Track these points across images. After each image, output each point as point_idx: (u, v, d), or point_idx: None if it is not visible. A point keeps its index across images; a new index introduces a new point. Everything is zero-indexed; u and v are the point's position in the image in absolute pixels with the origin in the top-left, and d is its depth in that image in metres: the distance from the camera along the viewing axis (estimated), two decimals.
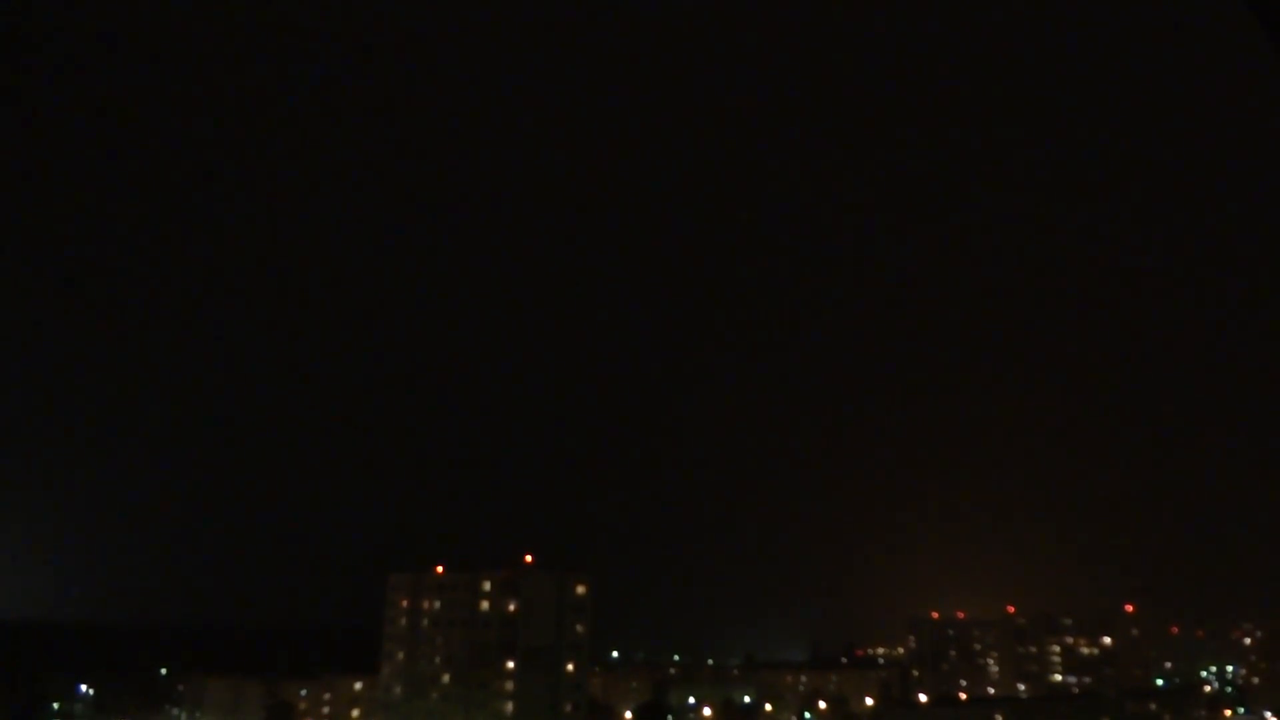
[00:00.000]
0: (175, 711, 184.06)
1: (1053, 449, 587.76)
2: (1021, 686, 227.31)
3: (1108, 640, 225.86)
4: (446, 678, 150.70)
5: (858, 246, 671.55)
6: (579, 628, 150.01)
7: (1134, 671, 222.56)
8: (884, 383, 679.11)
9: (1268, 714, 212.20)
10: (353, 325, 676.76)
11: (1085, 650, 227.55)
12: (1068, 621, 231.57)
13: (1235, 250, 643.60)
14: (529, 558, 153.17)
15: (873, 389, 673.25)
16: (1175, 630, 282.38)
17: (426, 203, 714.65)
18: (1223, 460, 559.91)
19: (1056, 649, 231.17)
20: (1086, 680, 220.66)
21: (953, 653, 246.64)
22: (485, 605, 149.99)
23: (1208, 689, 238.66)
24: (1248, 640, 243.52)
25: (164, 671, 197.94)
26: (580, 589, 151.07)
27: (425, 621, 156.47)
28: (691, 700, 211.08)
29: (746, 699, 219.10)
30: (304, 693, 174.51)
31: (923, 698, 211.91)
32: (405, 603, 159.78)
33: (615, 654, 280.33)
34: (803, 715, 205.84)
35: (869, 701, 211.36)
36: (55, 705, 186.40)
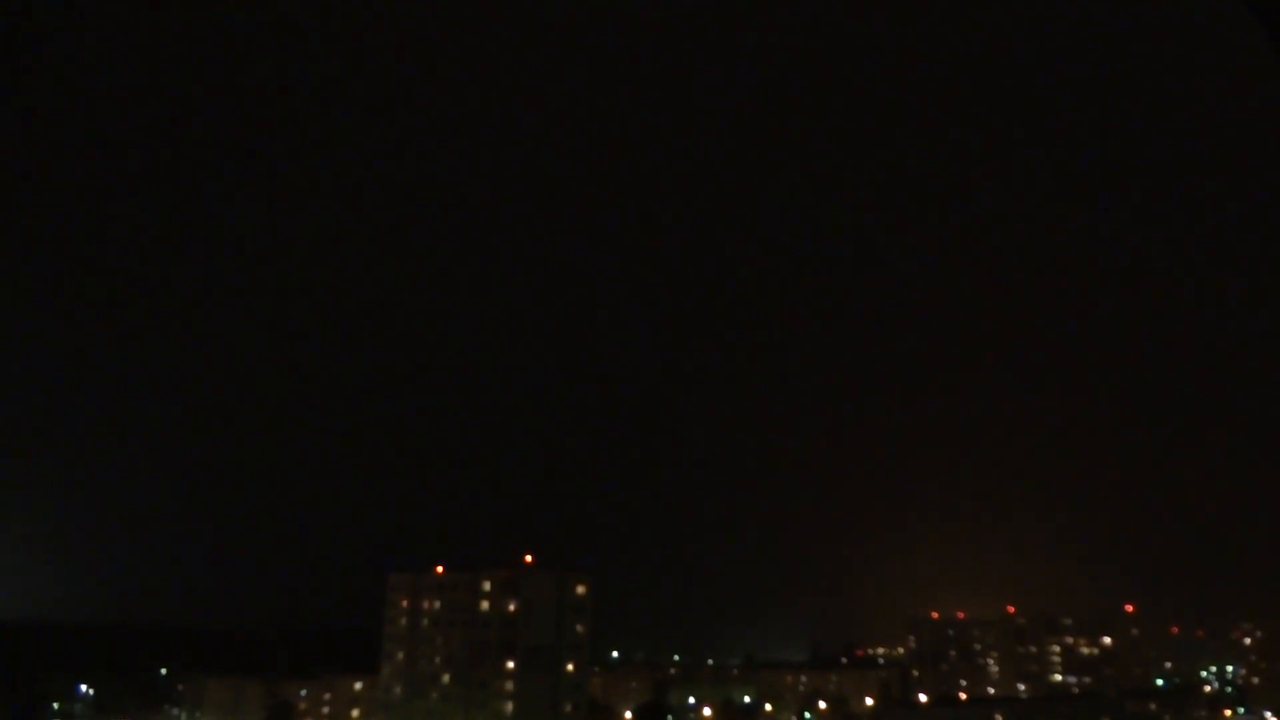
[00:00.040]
0: (175, 711, 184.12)
1: (1053, 449, 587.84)
2: (1021, 686, 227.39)
3: (1108, 640, 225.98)
4: (446, 678, 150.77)
5: (858, 246, 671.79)
6: (579, 628, 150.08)
7: (1134, 671, 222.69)
8: (884, 383, 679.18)
9: (1268, 714, 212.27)
10: (353, 325, 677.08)
11: (1085, 650, 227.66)
12: (1068, 621, 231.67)
13: (1235, 250, 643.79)
14: (529, 558, 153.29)
15: (873, 389, 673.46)
16: (1175, 630, 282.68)
17: (426, 203, 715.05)
18: (1223, 460, 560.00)
19: (1056, 649, 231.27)
20: (1086, 680, 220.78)
21: (953, 653, 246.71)
22: (485, 605, 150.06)
23: (1208, 689, 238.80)
24: (1248, 640, 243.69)
25: (164, 671, 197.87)
26: (580, 589, 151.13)
27: (425, 621, 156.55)
28: (691, 700, 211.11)
29: (746, 699, 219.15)
30: (304, 693, 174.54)
31: (923, 698, 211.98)
32: (405, 603, 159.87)
33: (615, 654, 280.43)
34: (803, 715, 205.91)
35: (869, 701, 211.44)
36: (55, 705, 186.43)
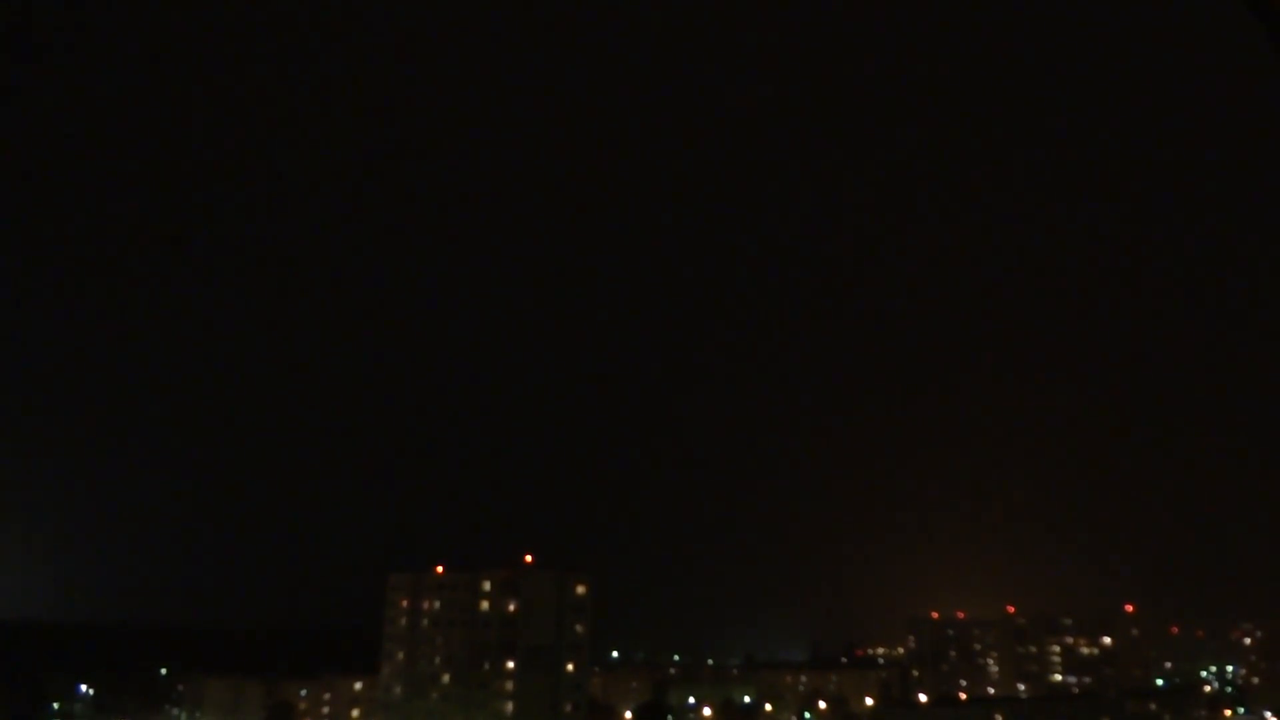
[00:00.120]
0: (175, 711, 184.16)
1: (1053, 449, 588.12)
2: (1021, 686, 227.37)
3: (1108, 640, 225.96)
4: (446, 678, 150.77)
5: (858, 246, 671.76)
6: (579, 628, 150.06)
7: (1134, 671, 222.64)
8: (884, 383, 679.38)
9: (1268, 714, 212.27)
10: (353, 325, 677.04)
11: (1085, 650, 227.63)
12: (1068, 621, 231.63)
13: (1235, 250, 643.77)
14: (529, 558, 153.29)
15: (872, 389, 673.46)
16: (1175, 630, 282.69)
17: (426, 203, 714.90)
18: (1223, 460, 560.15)
19: (1056, 649, 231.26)
20: (1086, 680, 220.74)
21: (953, 653, 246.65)
22: (485, 605, 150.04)
23: (1208, 689, 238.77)
24: (1248, 640, 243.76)
25: (164, 671, 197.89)
26: (580, 589, 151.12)
27: (425, 621, 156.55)
28: (691, 700, 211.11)
29: (746, 699, 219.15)
30: (304, 693, 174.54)
31: (923, 698, 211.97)
32: (405, 603, 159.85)
33: (615, 654, 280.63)
34: (803, 715, 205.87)
35: (869, 701, 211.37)
36: (55, 705, 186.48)
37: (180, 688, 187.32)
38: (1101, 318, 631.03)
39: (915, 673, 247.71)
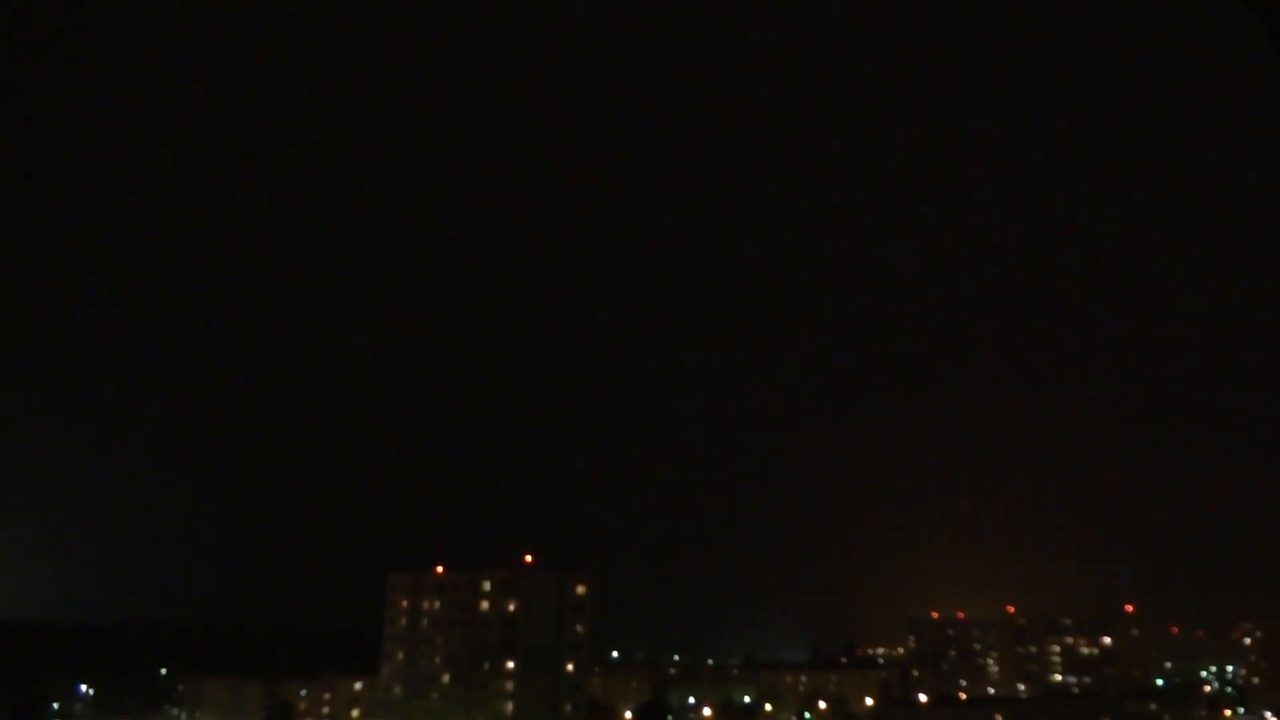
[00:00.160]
0: (175, 711, 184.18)
1: (1053, 449, 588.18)
2: (1021, 686, 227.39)
3: (1108, 640, 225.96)
4: (446, 678, 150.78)
5: (857, 246, 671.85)
6: (579, 628, 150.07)
7: (1134, 671, 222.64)
8: (883, 383, 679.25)
9: (1268, 714, 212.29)
10: (353, 325, 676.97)
11: (1085, 650, 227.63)
12: (1068, 621, 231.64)
13: (1235, 250, 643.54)
14: (529, 558, 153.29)
15: (872, 389, 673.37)
16: (1175, 630, 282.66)
17: (426, 203, 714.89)
18: (1223, 460, 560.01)
19: (1056, 649, 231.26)
20: (1086, 680, 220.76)
21: (953, 653, 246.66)
22: (485, 605, 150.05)
23: (1208, 689, 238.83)
24: (1248, 640, 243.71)
25: (164, 671, 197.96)
26: (580, 589, 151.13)
27: (425, 621, 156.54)
28: (691, 700, 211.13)
29: (746, 699, 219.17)
30: (304, 693, 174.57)
31: (923, 698, 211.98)
32: (405, 603, 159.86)
33: (615, 654, 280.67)
34: (803, 715, 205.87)
35: (869, 701, 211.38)
36: (55, 705, 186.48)
37: (180, 688, 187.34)
38: (1101, 318, 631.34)
39: (915, 673, 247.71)
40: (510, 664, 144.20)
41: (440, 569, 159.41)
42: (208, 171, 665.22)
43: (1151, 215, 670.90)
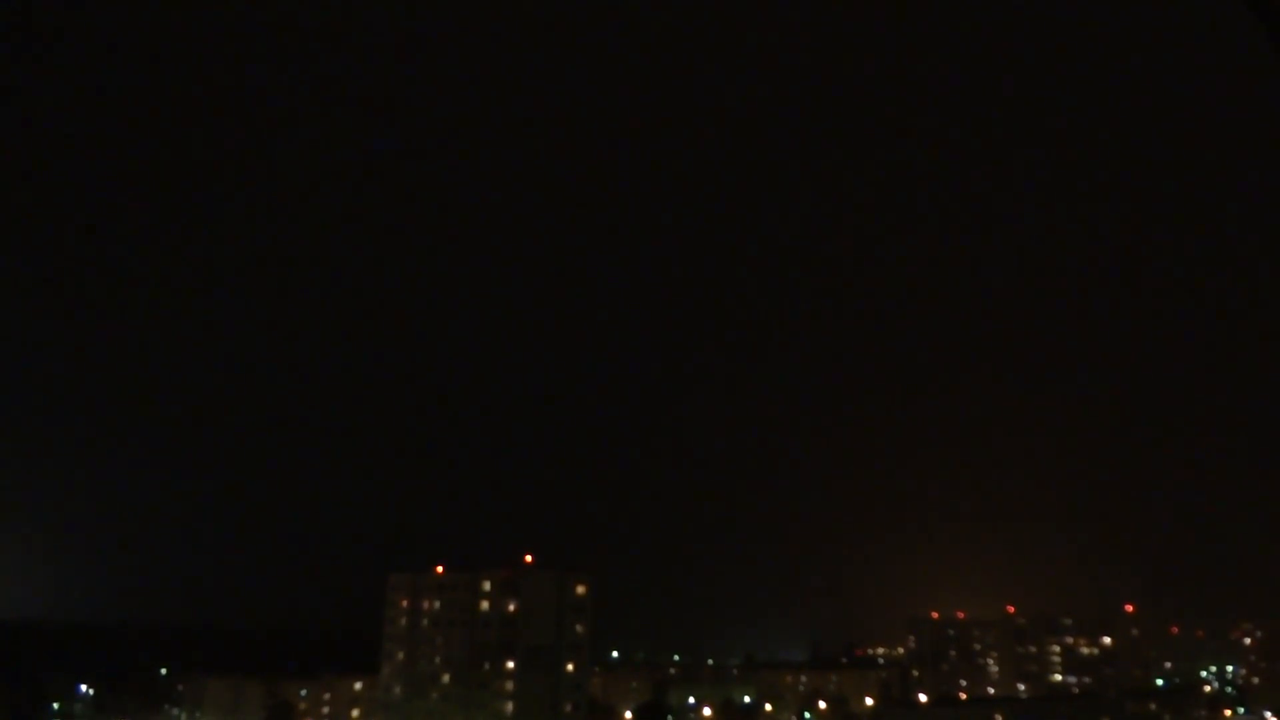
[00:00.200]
0: (175, 711, 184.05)
1: (1053, 449, 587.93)
2: (1021, 686, 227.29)
3: (1108, 640, 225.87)
4: (446, 678, 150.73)
5: (858, 246, 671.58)
6: (579, 628, 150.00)
7: (1134, 671, 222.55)
8: (884, 383, 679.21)
9: (1268, 714, 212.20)
10: (353, 325, 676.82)
11: (1085, 650, 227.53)
12: (1068, 621, 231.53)
13: (1235, 250, 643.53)
14: (529, 558, 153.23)
15: (872, 389, 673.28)
16: (1175, 630, 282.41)
17: (427, 203, 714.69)
18: (1223, 460, 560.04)
19: (1056, 649, 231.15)
20: (1086, 680, 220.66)
21: (953, 653, 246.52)
22: (485, 605, 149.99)
23: (1208, 689, 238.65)
24: (1248, 640, 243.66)
25: (164, 671, 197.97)
26: (580, 589, 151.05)
27: (425, 621, 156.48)
28: (691, 700, 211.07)
29: (746, 699, 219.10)
30: (304, 693, 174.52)
31: (923, 698, 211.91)
32: (405, 603, 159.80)
33: (615, 654, 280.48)
34: (803, 715, 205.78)
35: (869, 701, 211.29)
36: (55, 705, 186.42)
37: (180, 688, 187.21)
38: (1101, 318, 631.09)
39: (915, 673, 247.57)
40: (510, 664, 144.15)
41: (440, 569, 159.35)
42: (208, 171, 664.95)
43: (1151, 215, 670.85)
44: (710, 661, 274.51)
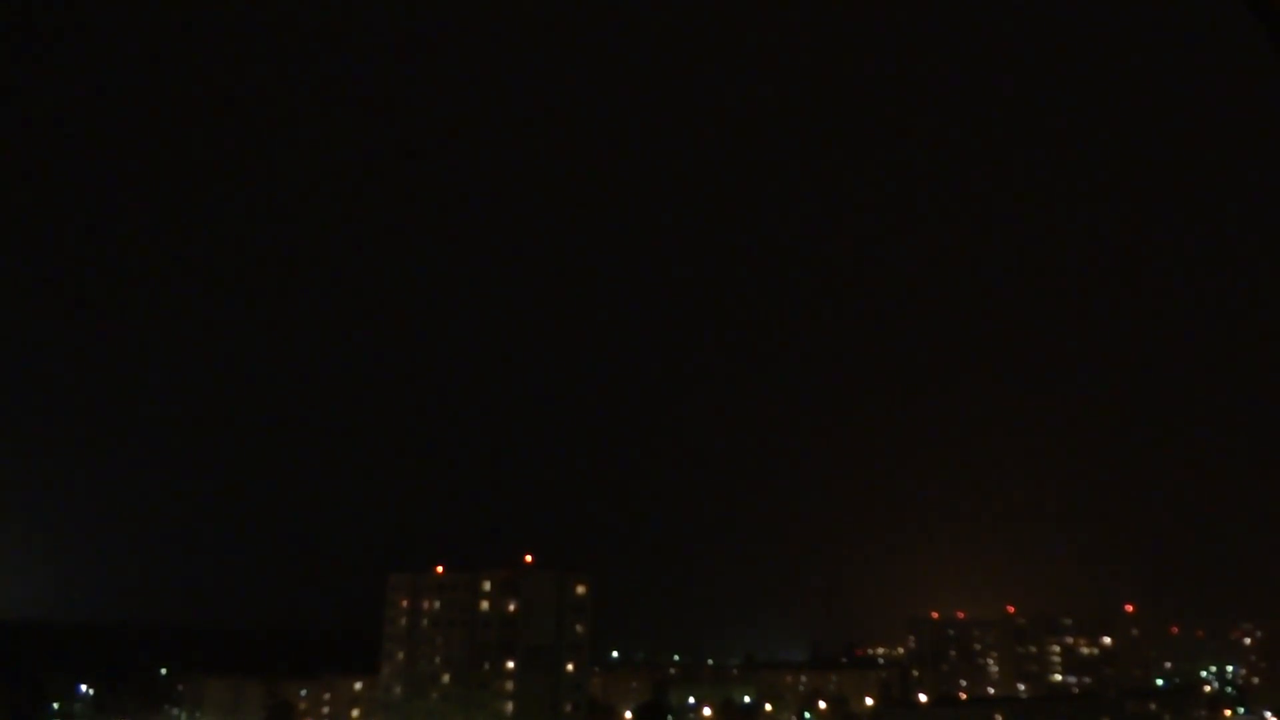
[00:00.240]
0: (175, 711, 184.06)
1: (1052, 449, 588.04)
2: (1021, 686, 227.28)
3: (1108, 640, 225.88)
4: (446, 678, 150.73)
5: (857, 247, 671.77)
6: (579, 628, 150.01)
7: (1134, 671, 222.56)
8: (883, 383, 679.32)
9: (1268, 714, 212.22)
10: (353, 325, 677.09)
11: (1085, 650, 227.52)
12: (1068, 621, 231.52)
13: (1235, 250, 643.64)
14: (529, 558, 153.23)
15: (872, 389, 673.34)
16: (1175, 630, 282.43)
17: (427, 203, 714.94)
18: (1223, 460, 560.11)
19: (1056, 649, 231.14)
20: (1086, 680, 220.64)
21: (953, 653, 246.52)
22: (485, 605, 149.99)
23: (1208, 689, 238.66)
24: (1248, 640, 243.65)
25: (164, 671, 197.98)
26: (580, 589, 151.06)
27: (425, 621, 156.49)
28: (691, 700, 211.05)
29: (746, 699, 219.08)
30: (304, 693, 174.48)
31: (923, 698, 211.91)
32: (405, 603, 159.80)
33: (615, 654, 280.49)
34: (803, 715, 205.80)
35: (869, 701, 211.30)
36: (55, 705, 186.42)
37: (180, 688, 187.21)
38: (1101, 318, 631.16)
39: (915, 673, 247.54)
40: (510, 664, 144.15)
41: (440, 569, 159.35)
42: (208, 171, 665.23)
43: (1151, 215, 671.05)
44: (710, 661, 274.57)
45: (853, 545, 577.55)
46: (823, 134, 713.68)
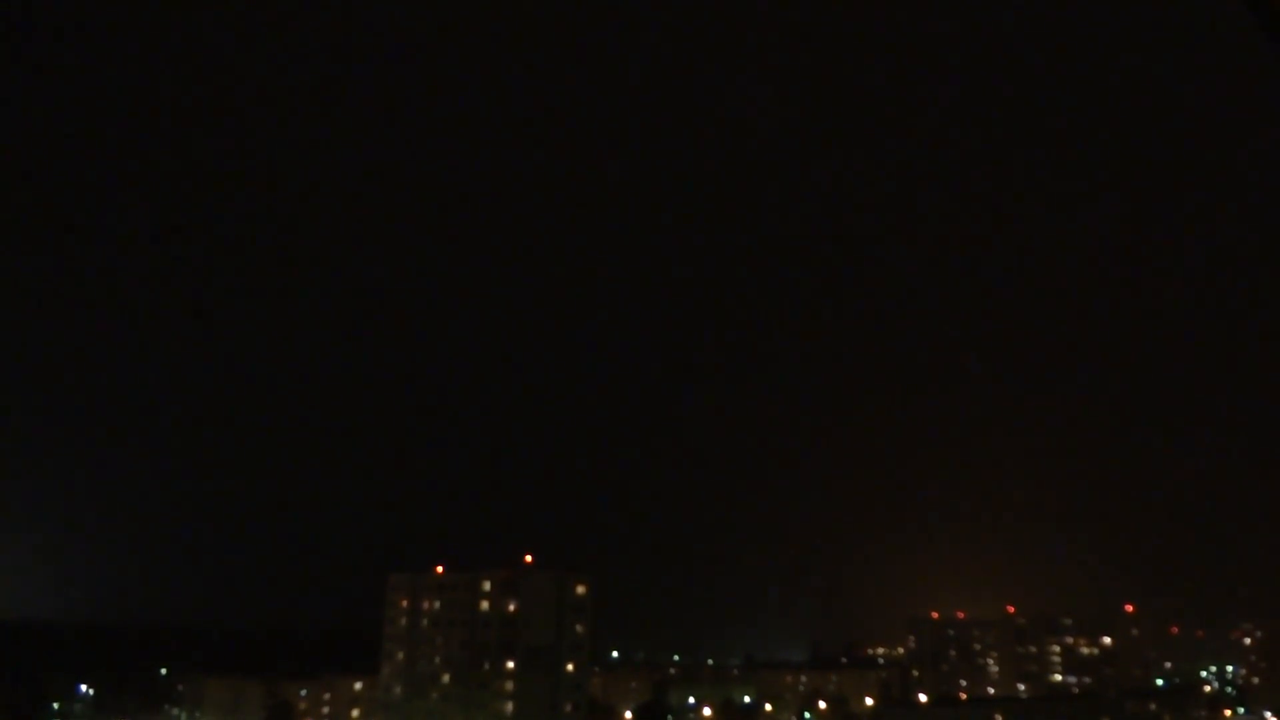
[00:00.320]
0: (175, 711, 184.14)
1: (1052, 449, 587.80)
2: (1021, 686, 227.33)
3: (1108, 640, 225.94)
4: (446, 678, 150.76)
5: (857, 247, 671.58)
6: (579, 628, 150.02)
7: (1134, 671, 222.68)
8: (883, 383, 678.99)
9: (1268, 714, 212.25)
10: (353, 325, 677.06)
11: (1085, 650, 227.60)
12: (1068, 621, 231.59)
13: (1235, 250, 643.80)
14: (529, 558, 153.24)
15: (872, 389, 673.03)
16: (1175, 630, 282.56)
17: (426, 203, 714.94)
18: (1223, 460, 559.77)
19: (1056, 649, 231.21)
20: (1086, 680, 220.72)
21: (953, 653, 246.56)
22: (485, 605, 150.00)
23: (1208, 689, 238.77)
24: (1248, 640, 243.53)
25: (164, 671, 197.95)
26: (580, 589, 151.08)
27: (425, 621, 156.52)
28: (691, 700, 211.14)
29: (746, 699, 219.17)
30: (304, 693, 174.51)
31: (923, 698, 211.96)
32: (405, 603, 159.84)
33: (615, 654, 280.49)
34: (803, 715, 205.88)
35: (869, 701, 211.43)
36: (55, 705, 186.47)
37: (180, 688, 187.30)
38: (1101, 318, 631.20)
39: (915, 673, 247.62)
40: (510, 664, 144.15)
41: (440, 569, 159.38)
42: (207, 171, 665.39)
43: (1151, 215, 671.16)
44: (710, 661, 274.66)
45: (853, 545, 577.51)
46: (823, 134, 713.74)
